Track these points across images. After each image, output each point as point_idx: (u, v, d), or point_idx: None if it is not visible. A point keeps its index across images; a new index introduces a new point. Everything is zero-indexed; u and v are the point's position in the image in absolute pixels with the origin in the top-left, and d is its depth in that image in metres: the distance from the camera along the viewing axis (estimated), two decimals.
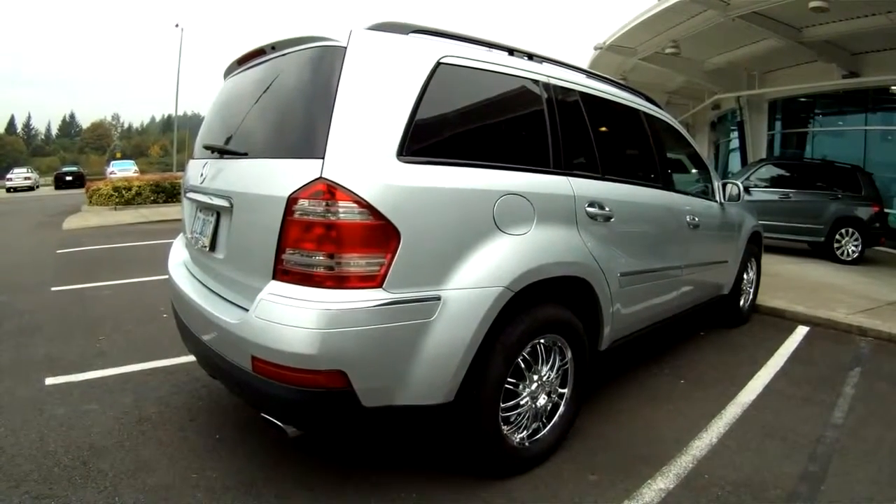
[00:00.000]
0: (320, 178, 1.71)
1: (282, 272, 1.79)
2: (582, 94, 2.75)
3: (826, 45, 9.94)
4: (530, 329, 2.19)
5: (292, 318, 1.69)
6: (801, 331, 4.71)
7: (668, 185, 3.40)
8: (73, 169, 35.69)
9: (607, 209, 2.63)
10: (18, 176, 32.55)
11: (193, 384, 3.21)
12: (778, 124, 13.27)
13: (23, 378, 3.35)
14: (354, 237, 1.72)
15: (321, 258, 1.73)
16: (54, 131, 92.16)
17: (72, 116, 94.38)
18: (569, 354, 2.46)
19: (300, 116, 1.92)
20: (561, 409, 2.47)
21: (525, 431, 2.32)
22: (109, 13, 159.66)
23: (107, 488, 2.22)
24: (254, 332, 1.79)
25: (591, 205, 2.53)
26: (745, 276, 4.76)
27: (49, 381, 3.30)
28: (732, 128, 14.88)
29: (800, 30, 9.76)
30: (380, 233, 1.74)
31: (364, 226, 1.72)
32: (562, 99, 2.57)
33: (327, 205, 1.70)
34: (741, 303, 4.79)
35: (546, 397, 2.40)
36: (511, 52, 2.51)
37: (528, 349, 2.24)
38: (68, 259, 7.89)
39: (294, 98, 2.01)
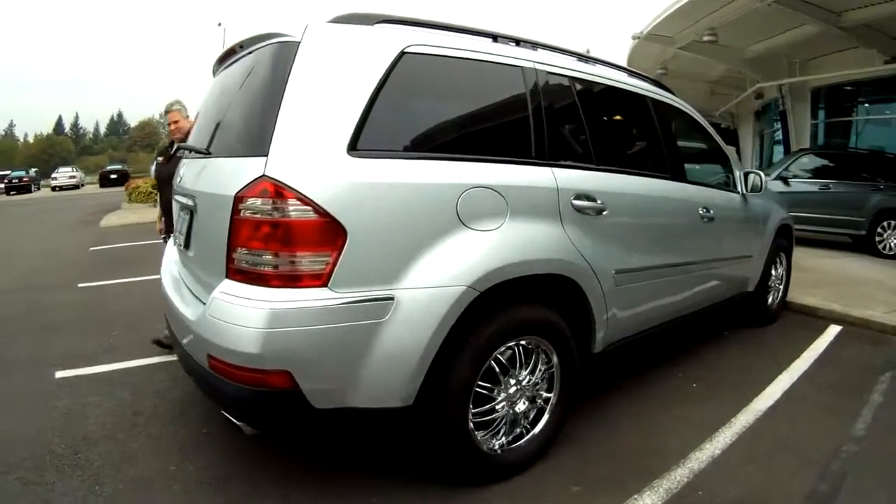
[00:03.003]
0: (263, 175, 1.67)
1: (233, 271, 1.75)
2: (575, 79, 2.58)
3: (866, 30, 9.27)
4: (503, 331, 2.05)
5: (239, 317, 1.66)
6: (833, 330, 4.34)
7: (678, 176, 3.15)
8: (118, 167, 36.85)
9: (599, 201, 2.44)
10: (63, 175, 33.91)
11: (189, 379, 3.20)
12: (821, 113, 12.48)
13: (36, 371, 3.46)
14: (296, 235, 1.66)
15: (266, 257, 1.68)
16: (102, 130, 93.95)
17: (119, 115, 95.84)
18: (554, 358, 2.31)
19: (252, 114, 1.88)
20: (546, 414, 2.32)
21: (504, 438, 2.19)
22: (154, 13, 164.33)
23: (91, 478, 2.26)
24: (208, 331, 1.77)
25: (579, 197, 2.35)
26: (772, 272, 4.43)
27: (59, 374, 3.40)
28: (776, 118, 14.20)
29: (839, 14, 9.14)
30: (323, 230, 1.67)
31: (306, 223, 1.66)
32: (550, 86, 2.40)
33: (269, 203, 1.66)
34: (769, 300, 4.46)
35: (528, 402, 2.26)
36: (495, 38, 2.37)
37: (503, 352, 2.11)
38: (100, 256, 8.14)
39: (250, 96, 1.98)
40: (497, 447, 2.16)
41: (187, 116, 3.69)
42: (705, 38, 10.80)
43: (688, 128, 3.66)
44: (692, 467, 2.36)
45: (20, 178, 33.21)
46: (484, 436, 2.12)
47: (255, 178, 1.68)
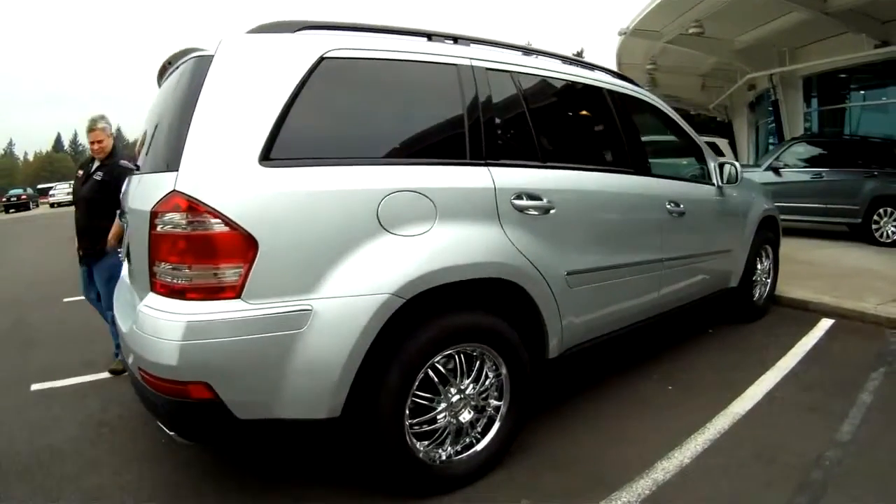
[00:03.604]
0: (174, 190, 1.67)
1: (156, 285, 1.74)
2: (518, 74, 2.45)
3: (853, 15, 9.01)
4: (438, 339, 1.95)
5: (159, 330, 1.66)
6: (825, 324, 4.10)
7: (642, 169, 2.96)
8: None
9: (546, 200, 2.30)
10: (61, 192, 33.33)
11: None
12: (814, 102, 12.24)
13: (13, 384, 3.50)
14: (206, 248, 1.65)
15: (182, 270, 1.67)
16: None
17: (118, 130, 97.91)
18: (502, 366, 2.16)
19: (170, 130, 1.88)
20: (497, 424, 2.19)
21: (450, 448, 2.09)
22: (150, 29, 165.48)
23: (51, 488, 2.28)
24: (137, 344, 1.78)
25: (521, 196, 2.22)
26: (757, 265, 4.22)
27: (35, 387, 3.44)
28: (770, 108, 13.98)
29: (824, 0, 9.04)
30: (233, 243, 1.65)
31: (215, 236, 1.64)
32: (487, 82, 2.28)
33: (180, 217, 1.65)
34: (755, 295, 4.24)
35: (473, 412, 2.13)
36: (430, 37, 2.29)
37: (442, 360, 2.01)
38: None
39: (169, 112, 1.97)
40: (443, 458, 2.07)
41: (112, 134, 3.55)
42: (691, 31, 10.64)
43: (656, 120, 3.48)
44: (656, 478, 2.14)
45: (18, 196, 33.27)
46: (427, 446, 2.03)
47: (167, 193, 1.68)
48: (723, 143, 13.15)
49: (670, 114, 3.52)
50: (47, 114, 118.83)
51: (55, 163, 76.87)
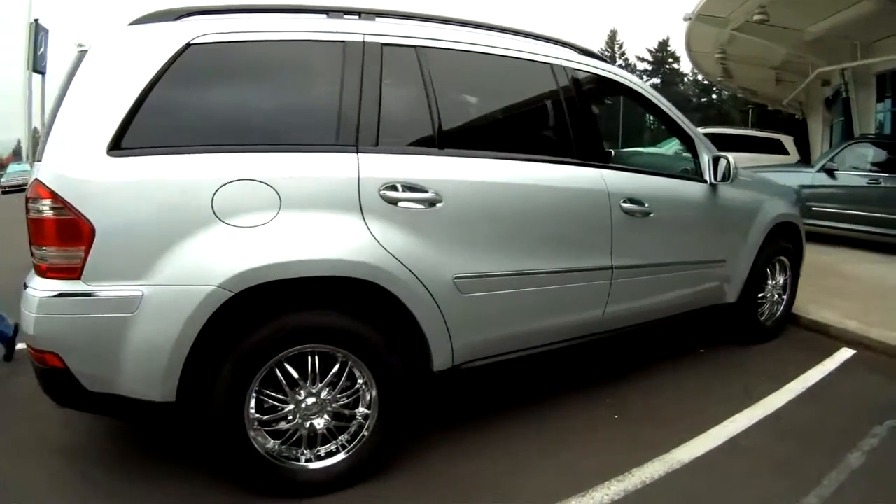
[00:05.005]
0: (35, 179, 1.80)
1: (34, 265, 1.86)
2: (425, 49, 2.20)
3: None
4: (277, 337, 1.87)
5: (26, 304, 1.81)
6: (842, 355, 3.41)
7: (589, 158, 2.50)
8: None
9: (432, 192, 2.03)
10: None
11: None
12: (889, 101, 10.90)
13: None
14: (55, 232, 1.76)
15: (40, 251, 1.79)
16: None
17: None
18: (367, 373, 2.00)
19: (50, 122, 1.91)
20: (365, 434, 2.04)
21: (309, 453, 2.00)
22: None
23: None
24: (21, 316, 1.89)
25: (394, 187, 1.99)
26: (768, 280, 3.59)
27: None
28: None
29: None
30: (75, 227, 1.73)
31: (60, 221, 1.74)
32: (380, 59, 2.10)
33: (40, 204, 1.76)
34: (763, 315, 3.62)
35: (331, 419, 2.00)
36: (327, 12, 2.17)
37: (292, 359, 1.92)
38: None
39: (55, 105, 2.02)
40: (302, 461, 2.00)
41: None
42: (755, 17, 9.83)
43: (633, 104, 3.11)
44: None
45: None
46: (280, 446, 1.97)
47: (33, 181, 1.81)
48: (787, 140, 12.00)
49: (651, 97, 2.97)
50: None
51: None
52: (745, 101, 27.49)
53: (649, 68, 51.51)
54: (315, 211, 1.89)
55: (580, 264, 2.45)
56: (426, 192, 2.04)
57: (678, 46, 37.58)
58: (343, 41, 2.07)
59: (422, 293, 2.00)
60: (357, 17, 2.21)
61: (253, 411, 1.89)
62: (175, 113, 1.88)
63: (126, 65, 1.84)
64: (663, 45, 50.07)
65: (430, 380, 2.12)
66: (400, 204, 2.00)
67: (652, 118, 2.91)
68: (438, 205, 2.05)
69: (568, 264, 2.41)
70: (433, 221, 2.05)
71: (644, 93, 2.95)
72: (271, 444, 1.94)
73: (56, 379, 1.82)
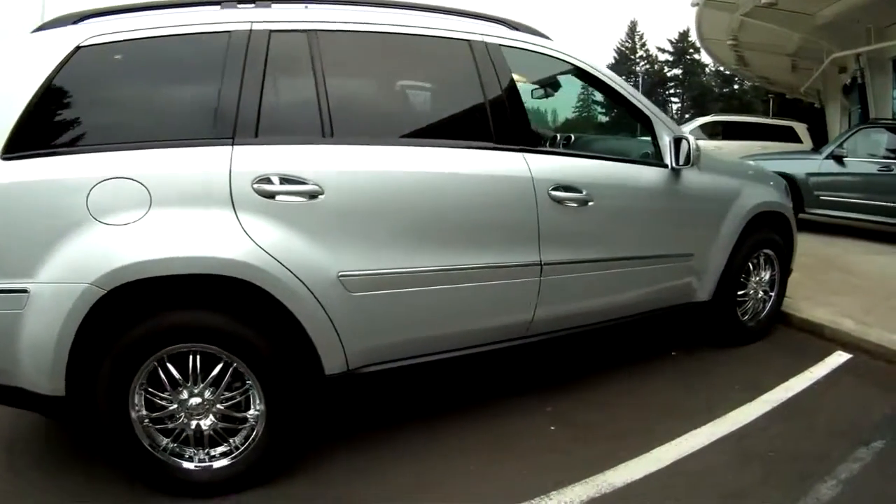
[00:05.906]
0: None
1: None
2: (318, 33, 2.10)
3: None
4: (150, 335, 1.85)
5: None
6: (835, 360, 3.00)
7: (512, 141, 2.23)
8: None
9: (312, 184, 1.92)
10: None
11: None
12: None
13: None
14: None
15: None
16: None
17: None
18: (248, 374, 1.92)
19: None
20: (254, 437, 1.97)
21: (202, 453, 1.97)
22: None
23: None
24: None
25: (268, 180, 1.89)
26: (752, 276, 3.19)
27: None
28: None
29: None
30: None
31: None
32: (266, 47, 2.01)
33: None
34: (746, 314, 3.23)
35: (217, 420, 1.95)
36: (221, 3, 2.11)
37: (168, 359, 1.87)
38: None
39: None
40: (194, 460, 1.97)
41: None
42: (764, 1, 9.40)
43: (578, 83, 2.85)
44: None
45: None
46: (172, 443, 1.95)
47: None
48: (800, 128, 11.44)
49: (598, 73, 2.62)
50: None
51: None
52: (765, 90, 26.69)
53: (670, 59, 50.59)
54: (185, 207, 1.86)
55: (497, 260, 2.15)
56: (305, 183, 1.92)
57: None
58: (228, 31, 2.01)
59: (303, 292, 1.89)
60: (252, 5, 2.13)
61: (140, 409, 1.88)
62: (64, 115, 1.91)
63: (21, 71, 1.88)
64: (684, 35, 48.91)
65: (324, 384, 2.00)
66: (277, 198, 1.91)
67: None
68: (320, 197, 1.93)
69: (480, 260, 2.12)
70: (314, 215, 1.95)
71: (588, 68, 2.59)
72: (164, 441, 1.94)
73: None
